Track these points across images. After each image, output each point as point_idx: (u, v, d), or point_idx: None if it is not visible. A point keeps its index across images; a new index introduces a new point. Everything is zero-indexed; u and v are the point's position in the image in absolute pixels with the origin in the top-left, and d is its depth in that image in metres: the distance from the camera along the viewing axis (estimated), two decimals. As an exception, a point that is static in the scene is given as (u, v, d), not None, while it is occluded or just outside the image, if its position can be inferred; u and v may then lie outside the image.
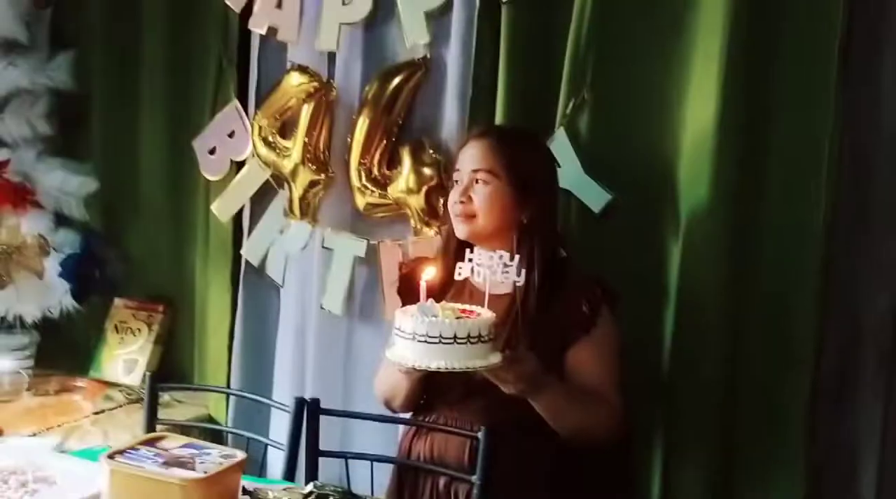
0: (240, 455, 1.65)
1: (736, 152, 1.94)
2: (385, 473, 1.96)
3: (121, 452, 1.62)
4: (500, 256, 1.64)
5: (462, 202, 1.81)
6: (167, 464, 1.58)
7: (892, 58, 1.93)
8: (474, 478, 1.76)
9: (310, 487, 1.65)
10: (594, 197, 2.07)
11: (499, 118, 2.14)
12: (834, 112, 1.87)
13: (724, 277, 1.97)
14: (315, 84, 2.31)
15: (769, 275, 1.96)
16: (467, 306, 1.65)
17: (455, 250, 1.82)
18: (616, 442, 1.80)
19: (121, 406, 2.52)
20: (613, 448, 1.82)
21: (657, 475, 2.04)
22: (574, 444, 1.76)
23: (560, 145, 2.08)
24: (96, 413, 2.44)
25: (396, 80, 2.24)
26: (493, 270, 1.64)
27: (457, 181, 1.84)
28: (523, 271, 1.64)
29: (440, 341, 1.53)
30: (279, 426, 2.31)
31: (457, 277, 1.69)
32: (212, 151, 2.53)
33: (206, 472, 1.56)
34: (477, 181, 1.81)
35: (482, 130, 1.92)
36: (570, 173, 2.07)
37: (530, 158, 1.88)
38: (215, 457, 1.63)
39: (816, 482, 1.96)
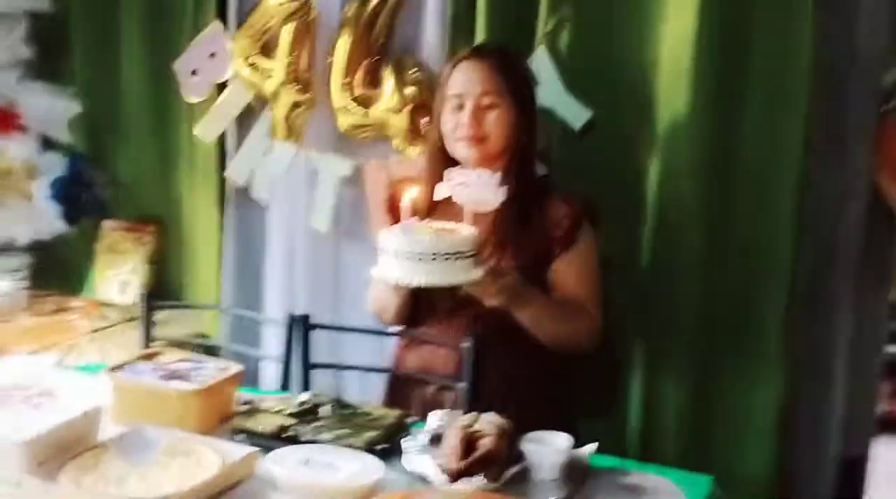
0: (235, 367, 1.72)
1: (713, 65, 1.96)
2: (376, 385, 2.04)
3: (121, 366, 1.69)
4: (479, 175, 1.68)
5: (472, 126, 1.82)
6: (166, 377, 1.65)
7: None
8: (461, 385, 1.84)
9: (304, 395, 1.72)
10: (575, 114, 2.10)
11: (479, 37, 2.15)
12: (811, 25, 1.89)
13: (702, 190, 2.01)
14: (295, 4, 2.30)
15: (747, 189, 2.00)
16: (448, 224, 1.69)
17: (440, 171, 1.82)
18: (597, 350, 1.88)
19: (116, 324, 2.55)
20: (597, 356, 1.90)
21: (638, 384, 2.12)
22: (557, 351, 1.83)
23: (541, 63, 2.10)
24: (93, 331, 2.48)
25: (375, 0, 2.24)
26: (473, 187, 1.68)
27: (459, 105, 1.84)
28: (502, 188, 1.68)
29: (421, 258, 1.58)
30: (270, 341, 2.39)
31: (435, 198, 1.72)
32: (193, 73, 2.51)
33: (203, 383, 1.64)
34: (485, 104, 1.83)
35: (478, 50, 1.93)
36: (551, 91, 2.09)
37: (527, 78, 1.93)
38: (211, 369, 1.70)
39: (793, 387, 2.04)
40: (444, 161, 1.86)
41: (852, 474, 2.26)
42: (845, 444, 2.19)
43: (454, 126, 1.84)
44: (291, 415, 1.66)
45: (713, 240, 2.04)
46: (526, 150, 1.87)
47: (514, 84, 1.85)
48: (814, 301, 2.09)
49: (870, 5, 1.99)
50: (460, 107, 1.83)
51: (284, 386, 2.00)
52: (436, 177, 1.79)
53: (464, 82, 1.85)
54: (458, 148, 1.84)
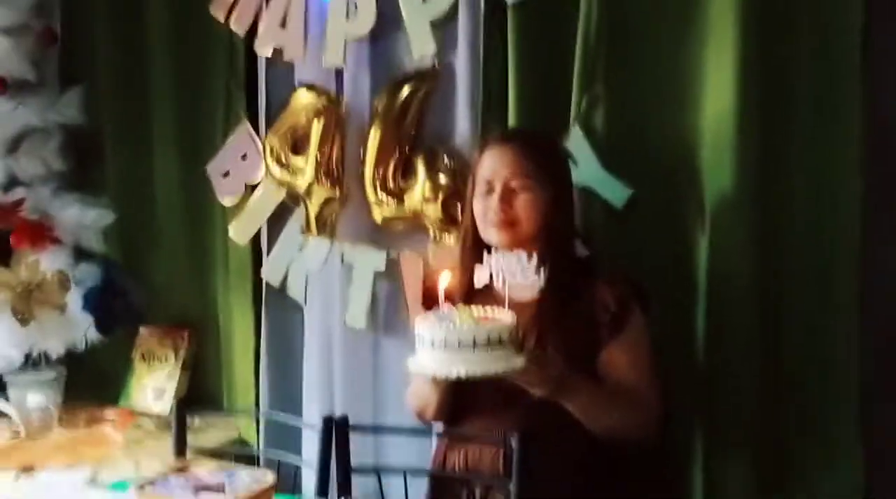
0: (269, 478, 1.64)
1: (758, 137, 1.90)
2: (421, 487, 1.93)
3: (151, 482, 1.62)
4: (519, 258, 1.62)
5: (503, 210, 1.78)
6: (197, 490, 1.58)
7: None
8: (511, 485, 1.73)
9: (343, 504, 1.63)
10: (615, 193, 2.04)
11: (512, 121, 2.12)
12: (860, 84, 1.83)
13: (756, 268, 1.93)
14: (324, 101, 2.30)
15: (803, 265, 1.91)
16: (487, 310, 1.63)
17: (475, 258, 1.78)
18: (655, 441, 1.77)
19: (151, 434, 2.50)
20: (653, 448, 1.79)
21: (699, 477, 1.98)
22: (612, 443, 1.73)
23: (576, 142, 2.05)
24: (127, 443, 2.42)
25: (406, 91, 2.23)
26: (512, 271, 1.62)
27: (489, 190, 1.80)
28: (543, 271, 1.61)
29: (459, 347, 1.51)
30: (311, 445, 2.29)
31: (476, 284, 1.67)
32: (225, 175, 2.52)
33: (237, 497, 1.55)
34: (514, 188, 1.79)
35: (505, 134, 1.92)
36: (589, 170, 2.05)
37: (559, 161, 1.90)
38: (245, 480, 1.62)
39: (871, 476, 1.90)
40: (477, 248, 1.81)
41: None
42: None
43: (485, 211, 1.81)
44: (331, 525, 1.57)
45: (770, 320, 1.93)
46: (561, 232, 1.82)
47: (544, 166, 1.81)
48: (887, 379, 1.95)
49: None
50: (490, 191, 1.80)
51: (322, 492, 1.91)
52: (470, 264, 1.74)
53: (492, 166, 1.82)
54: (490, 233, 1.80)
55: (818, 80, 1.87)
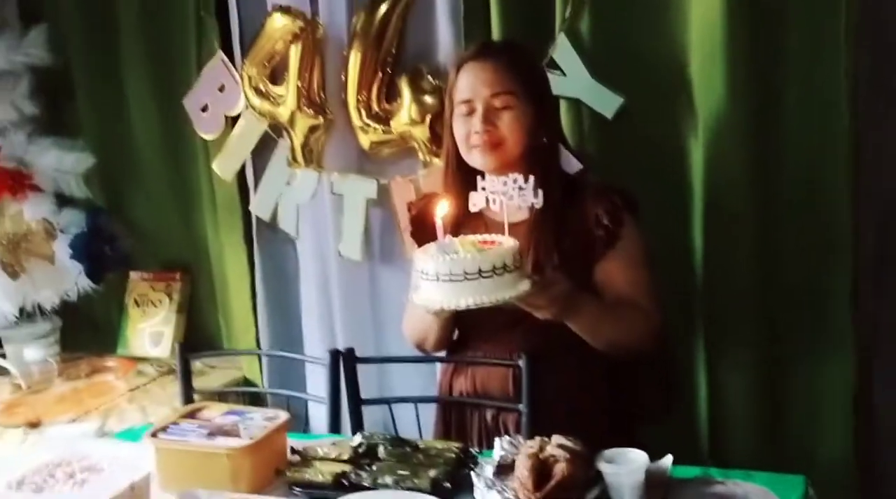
0: (283, 416, 1.64)
1: (748, 37, 1.85)
2: (429, 414, 1.93)
3: (164, 428, 1.60)
4: (515, 180, 1.56)
5: (487, 131, 1.70)
6: (212, 434, 1.57)
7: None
8: (521, 406, 1.74)
9: (358, 438, 1.62)
10: (605, 102, 2.00)
11: (496, 33, 2.05)
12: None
13: (750, 168, 1.91)
14: (300, 24, 2.21)
15: (796, 161, 1.90)
16: (487, 236, 1.59)
17: (461, 182, 1.73)
18: (657, 350, 1.75)
19: (154, 380, 2.50)
20: (656, 357, 1.78)
21: (703, 378, 2.01)
22: (615, 356, 1.72)
23: (563, 52, 2.00)
24: (131, 390, 2.42)
25: (384, 8, 2.15)
26: (510, 195, 1.56)
27: (469, 110, 1.71)
28: (540, 192, 1.56)
29: (465, 278, 1.47)
30: (316, 380, 2.29)
31: (472, 210, 1.61)
32: (204, 109, 2.44)
33: (252, 437, 1.55)
34: (496, 106, 1.70)
35: (479, 49, 1.79)
36: (577, 80, 2.00)
37: (539, 72, 1.82)
38: (259, 421, 1.61)
39: (865, 365, 1.92)
40: (463, 172, 1.74)
41: None
42: None
43: (467, 133, 1.71)
44: (347, 460, 1.57)
45: (767, 222, 1.93)
46: (549, 148, 1.74)
47: (527, 81, 1.72)
48: (885, 270, 1.96)
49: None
50: (471, 112, 1.71)
51: (335, 428, 1.91)
52: (457, 190, 1.68)
53: (471, 85, 1.72)
54: (474, 156, 1.72)
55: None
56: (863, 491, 1.94)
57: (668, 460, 1.49)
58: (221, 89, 2.40)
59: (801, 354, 1.95)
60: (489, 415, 1.81)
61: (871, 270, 1.94)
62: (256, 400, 2.31)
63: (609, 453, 1.47)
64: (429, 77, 2.15)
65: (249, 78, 2.31)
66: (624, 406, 1.80)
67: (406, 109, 2.15)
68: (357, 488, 1.49)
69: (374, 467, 1.53)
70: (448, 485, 1.48)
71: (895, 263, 1.97)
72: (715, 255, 1.96)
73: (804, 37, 1.84)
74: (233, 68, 2.39)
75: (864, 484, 1.94)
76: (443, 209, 1.55)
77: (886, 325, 1.99)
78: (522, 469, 1.41)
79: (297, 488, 1.52)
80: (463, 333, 1.85)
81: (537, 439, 1.48)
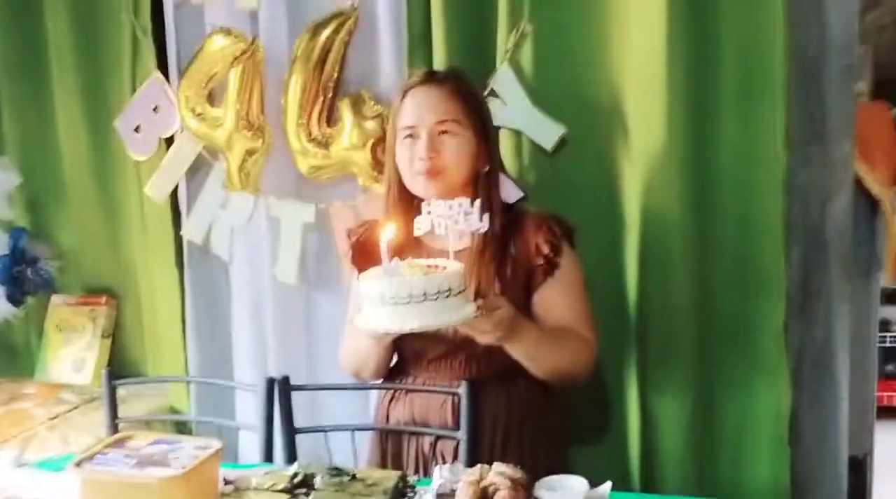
0: (215, 445, 1.57)
1: (684, 70, 1.89)
2: (363, 442, 1.89)
3: (89, 458, 1.53)
4: (461, 204, 1.56)
5: (431, 158, 1.69)
6: (140, 464, 1.50)
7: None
8: (460, 434, 1.72)
9: (294, 467, 1.58)
10: (545, 133, 2.01)
11: (438, 62, 2.05)
12: (784, 25, 1.83)
13: (685, 201, 1.94)
14: (240, 45, 2.19)
15: (730, 195, 1.93)
16: (432, 261, 1.58)
17: (403, 209, 1.72)
18: (592, 376, 1.78)
19: (76, 408, 2.40)
20: (589, 382, 1.80)
21: (634, 406, 2.02)
22: (554, 383, 1.73)
23: (505, 82, 2.02)
24: (51, 419, 2.31)
25: (326, 33, 2.13)
26: (455, 219, 1.56)
27: (413, 137, 1.71)
28: (486, 216, 1.56)
29: (410, 300, 1.47)
30: (246, 408, 2.24)
31: (416, 234, 1.61)
32: (137, 130, 2.39)
33: (183, 467, 1.48)
34: (442, 133, 1.70)
35: (425, 76, 1.79)
36: (519, 110, 2.01)
37: (482, 101, 1.83)
38: (189, 450, 1.55)
39: (798, 391, 1.97)
40: (405, 199, 1.74)
41: (859, 471, 2.21)
42: (852, 441, 2.14)
43: (410, 159, 1.71)
44: (283, 490, 1.52)
45: (700, 250, 1.95)
46: (490, 178, 1.75)
47: (471, 109, 1.73)
48: (809, 301, 2.02)
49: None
50: (414, 138, 1.71)
51: (267, 457, 1.85)
52: (398, 216, 1.68)
53: (416, 111, 1.72)
54: (417, 183, 1.71)
55: (742, 8, 1.87)
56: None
57: (606, 487, 1.50)
58: (156, 110, 2.35)
59: (734, 377, 1.97)
60: (427, 443, 1.78)
61: (797, 302, 1.99)
62: (184, 429, 2.24)
63: (548, 480, 1.47)
64: (370, 102, 2.13)
65: (186, 99, 2.26)
66: (558, 433, 1.81)
67: (347, 134, 2.13)
68: (293, 518, 1.45)
69: (311, 498, 1.49)
70: (388, 514, 1.45)
71: (817, 294, 2.03)
72: (649, 284, 1.98)
73: (741, 73, 1.89)
74: (168, 89, 2.34)
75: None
76: (388, 233, 1.54)
77: (819, 342, 2.04)
78: (463, 497, 1.40)
79: (231, 520, 1.48)
80: (401, 362, 1.83)
81: (478, 466, 1.48)
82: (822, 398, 2.05)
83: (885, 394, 3.19)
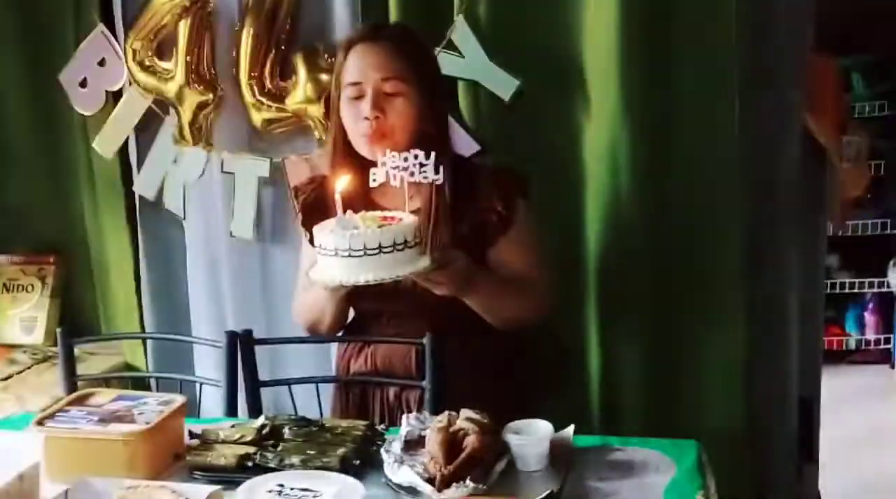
0: (179, 399, 1.58)
1: (638, 19, 1.90)
2: (325, 395, 1.90)
3: (50, 416, 1.52)
4: (416, 156, 1.54)
5: (376, 117, 1.64)
6: (104, 421, 1.50)
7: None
8: (425, 383, 1.74)
9: (261, 419, 1.58)
10: (502, 84, 2.01)
11: (393, 13, 2.03)
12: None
13: (639, 148, 1.95)
14: (189, -3, 2.13)
15: (687, 143, 1.96)
16: (387, 213, 1.58)
17: (349, 166, 1.67)
18: (547, 321, 1.79)
19: (29, 368, 2.37)
20: (545, 330, 1.83)
21: (595, 356, 2.06)
22: (511, 330, 1.75)
23: (461, 35, 2.01)
24: (4, 379, 2.29)
25: (277, -16, 2.09)
26: (410, 171, 1.54)
27: (358, 95, 1.66)
28: (441, 168, 1.54)
29: (365, 253, 1.47)
30: (205, 364, 2.23)
31: (372, 184, 1.58)
32: (82, 84, 2.33)
33: (148, 422, 1.49)
34: (387, 91, 1.65)
35: (369, 30, 1.74)
36: (475, 63, 2.01)
37: (431, 57, 1.80)
38: (153, 405, 1.55)
39: (752, 335, 2.01)
40: (351, 156, 1.69)
41: (808, 411, 2.29)
42: (801, 382, 2.22)
43: (355, 119, 1.67)
44: (250, 442, 1.52)
45: (655, 198, 1.98)
46: (438, 138, 1.69)
47: (419, 66, 1.69)
48: (760, 247, 2.06)
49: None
50: (359, 96, 1.66)
51: (231, 412, 1.85)
52: (345, 173, 1.62)
53: (361, 68, 1.66)
54: (362, 145, 1.68)
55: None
56: (750, 449, 2.03)
57: (570, 430, 1.55)
58: (102, 63, 2.29)
59: (692, 325, 2.01)
60: (392, 393, 1.80)
61: (748, 247, 2.02)
62: (141, 386, 2.21)
63: (515, 424, 1.50)
64: (325, 55, 2.10)
65: (134, 52, 2.21)
66: (517, 381, 1.83)
67: (301, 87, 2.10)
68: (263, 469, 1.45)
69: (280, 448, 1.50)
70: (357, 462, 1.46)
71: (768, 240, 2.08)
72: (607, 234, 2.00)
73: (695, 18, 1.89)
74: (115, 42, 2.28)
75: (749, 443, 2.03)
76: (342, 184, 1.53)
77: (772, 288, 2.09)
78: (433, 443, 1.42)
79: (198, 472, 1.47)
80: (359, 318, 1.83)
81: (446, 413, 1.50)
82: (773, 341, 2.11)
83: (826, 338, 3.29)
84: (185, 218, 2.33)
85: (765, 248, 2.07)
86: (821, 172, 2.30)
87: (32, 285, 2.56)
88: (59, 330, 1.95)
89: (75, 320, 2.53)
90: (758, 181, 2.02)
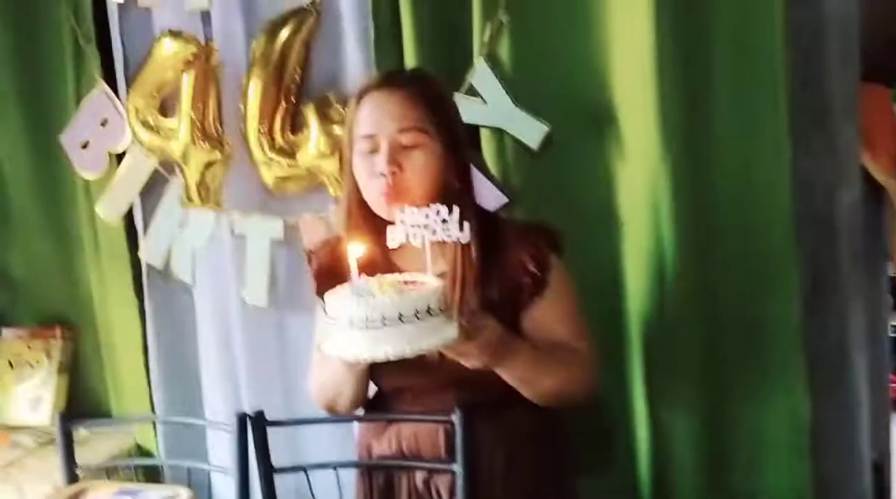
0: (184, 494, 1.43)
1: (677, 61, 1.77)
2: (348, 481, 1.73)
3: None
4: (437, 212, 1.39)
5: (393, 173, 1.50)
6: (98, 523, 1.35)
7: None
8: (455, 467, 1.57)
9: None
10: (529, 131, 1.89)
11: (409, 59, 1.92)
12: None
13: (684, 198, 1.81)
14: (192, 49, 2.06)
15: (733, 191, 1.82)
16: (407, 276, 1.43)
17: (366, 227, 1.53)
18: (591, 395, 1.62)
19: (32, 452, 2.25)
20: (591, 402, 1.64)
21: (643, 421, 1.90)
22: (552, 406, 1.58)
23: (483, 78, 1.89)
24: (5, 467, 2.17)
25: (285, 33, 2.01)
26: (432, 228, 1.39)
27: (372, 148, 1.52)
28: (466, 225, 1.39)
29: (383, 324, 1.31)
30: (220, 447, 2.12)
31: (391, 245, 1.42)
32: (84, 146, 2.27)
33: (147, 525, 1.34)
34: (404, 143, 1.51)
35: (384, 78, 1.61)
36: (499, 108, 1.89)
37: (452, 106, 1.64)
38: (154, 502, 1.40)
39: (815, 393, 1.85)
40: (367, 215, 1.55)
41: (880, 475, 2.11)
42: (873, 443, 2.04)
43: (369, 175, 1.52)
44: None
45: (703, 250, 1.83)
46: (462, 193, 1.55)
47: (438, 116, 1.54)
48: (822, 300, 1.90)
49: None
50: (374, 150, 1.52)
51: (244, 499, 1.70)
52: (360, 233, 1.49)
53: (375, 119, 1.52)
54: (379, 205, 1.52)
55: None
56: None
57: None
58: (104, 124, 2.24)
59: (748, 389, 1.86)
60: (419, 478, 1.63)
61: (809, 301, 1.87)
62: (151, 472, 2.09)
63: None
64: (337, 106, 2.00)
65: (136, 110, 2.14)
66: (564, 459, 1.67)
67: (313, 141, 2.00)
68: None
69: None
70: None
71: (830, 292, 1.92)
72: (649, 289, 1.86)
73: (736, 58, 1.77)
74: (116, 100, 2.22)
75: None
76: (357, 249, 1.38)
77: (825, 355, 1.92)
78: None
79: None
80: (382, 394, 1.67)
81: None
82: (840, 401, 1.94)
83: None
84: (194, 286, 2.25)
85: (828, 299, 1.91)
86: (879, 213, 2.14)
87: (38, 361, 2.46)
88: (57, 414, 1.83)
89: (84, 397, 2.46)
90: (814, 227, 1.88)
